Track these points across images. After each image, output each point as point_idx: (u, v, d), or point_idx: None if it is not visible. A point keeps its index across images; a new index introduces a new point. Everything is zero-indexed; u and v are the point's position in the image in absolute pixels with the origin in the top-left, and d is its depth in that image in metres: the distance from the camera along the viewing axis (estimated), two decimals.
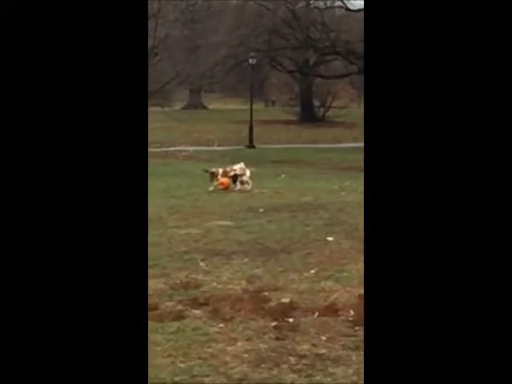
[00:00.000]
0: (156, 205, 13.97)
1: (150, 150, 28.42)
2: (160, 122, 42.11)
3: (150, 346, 5.54)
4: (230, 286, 7.35)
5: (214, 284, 7.44)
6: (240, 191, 16.16)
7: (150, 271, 7.99)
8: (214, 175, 16.65)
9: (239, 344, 5.58)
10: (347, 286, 7.17)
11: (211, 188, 16.37)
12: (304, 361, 5.21)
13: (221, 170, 16.79)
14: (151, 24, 34.06)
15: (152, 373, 4.97)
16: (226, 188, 16.50)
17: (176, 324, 6.05)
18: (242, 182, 16.51)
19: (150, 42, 34.29)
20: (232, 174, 16.57)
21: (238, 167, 16.78)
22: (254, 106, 36.79)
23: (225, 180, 16.67)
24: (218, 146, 35.74)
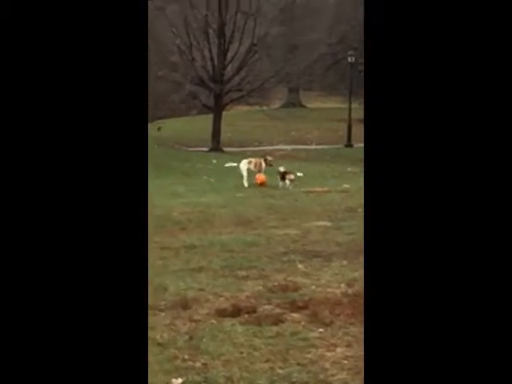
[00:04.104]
0: (254, 205, 13.98)
1: (248, 148, 28.53)
2: (258, 121, 42.21)
3: (248, 350, 5.49)
4: (329, 289, 7.21)
5: (313, 287, 7.32)
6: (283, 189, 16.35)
7: (249, 273, 7.95)
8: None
9: (339, 350, 5.46)
10: None
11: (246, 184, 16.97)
12: None
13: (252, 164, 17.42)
14: (250, 23, 34.15)
15: (250, 378, 4.91)
16: (262, 184, 16.66)
17: (274, 328, 5.96)
18: (291, 180, 16.66)
19: (249, 41, 34.39)
20: (282, 170, 16.82)
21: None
22: (353, 105, 36.49)
23: (260, 176, 17.00)
24: (316, 144, 35.59)
